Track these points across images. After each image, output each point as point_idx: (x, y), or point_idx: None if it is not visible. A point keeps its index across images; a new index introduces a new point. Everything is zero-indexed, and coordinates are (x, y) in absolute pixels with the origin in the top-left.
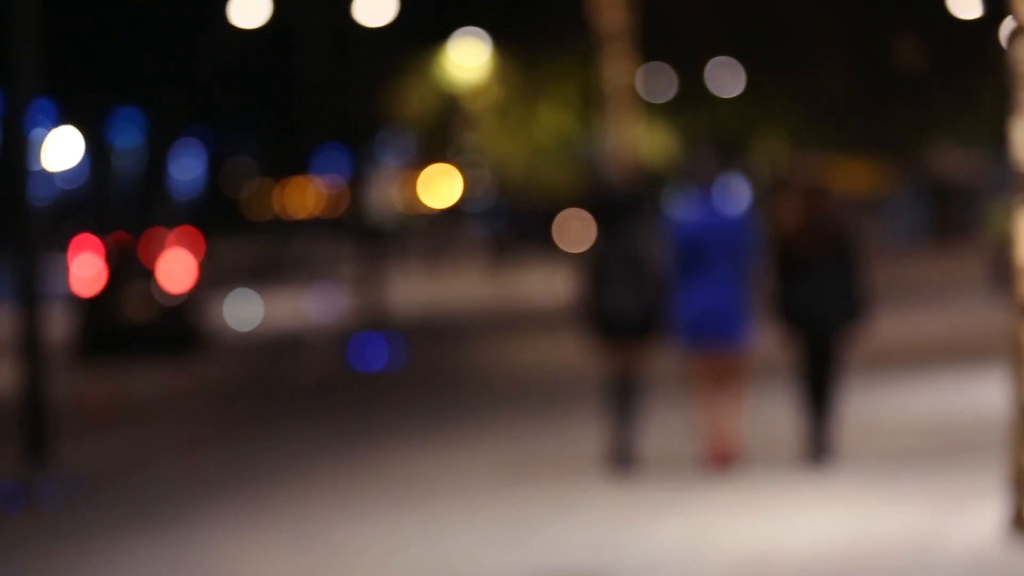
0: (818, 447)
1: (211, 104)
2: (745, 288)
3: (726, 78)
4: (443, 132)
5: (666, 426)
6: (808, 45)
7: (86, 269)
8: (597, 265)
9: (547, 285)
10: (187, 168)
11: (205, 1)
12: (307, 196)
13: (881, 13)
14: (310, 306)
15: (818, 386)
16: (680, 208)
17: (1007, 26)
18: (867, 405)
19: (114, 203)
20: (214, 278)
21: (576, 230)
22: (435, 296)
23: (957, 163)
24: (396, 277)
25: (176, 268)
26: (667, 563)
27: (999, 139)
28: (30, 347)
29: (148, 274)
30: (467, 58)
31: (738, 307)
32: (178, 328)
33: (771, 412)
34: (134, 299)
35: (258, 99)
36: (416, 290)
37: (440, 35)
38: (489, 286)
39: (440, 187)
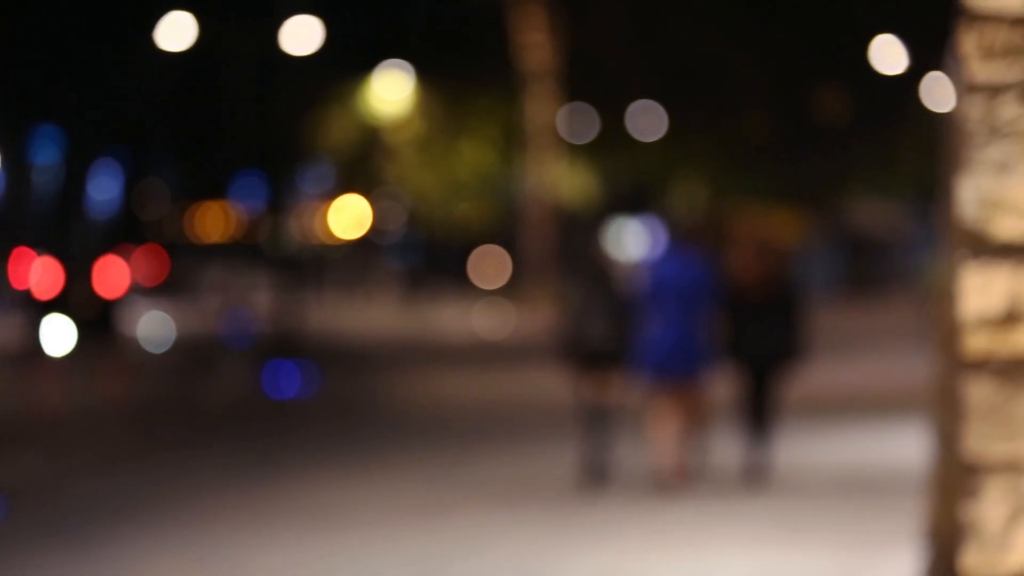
0: (755, 472)
1: (131, 125)
2: (704, 327)
3: (648, 121)
4: (363, 163)
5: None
6: (730, 92)
7: (44, 277)
8: (578, 303)
9: (461, 321)
10: (104, 188)
11: (132, 22)
12: (219, 221)
13: (804, 64)
14: (224, 330)
15: (759, 417)
16: (652, 254)
17: (929, 81)
18: (788, 452)
19: (30, 219)
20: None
21: (491, 267)
22: (349, 326)
23: (874, 215)
24: (311, 305)
25: (111, 277)
26: None
27: (918, 192)
28: None
29: (90, 282)
30: (390, 90)
31: (698, 344)
32: (109, 325)
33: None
34: (79, 300)
35: (179, 122)
36: (330, 319)
37: (365, 66)
38: (403, 319)
39: (349, 218)
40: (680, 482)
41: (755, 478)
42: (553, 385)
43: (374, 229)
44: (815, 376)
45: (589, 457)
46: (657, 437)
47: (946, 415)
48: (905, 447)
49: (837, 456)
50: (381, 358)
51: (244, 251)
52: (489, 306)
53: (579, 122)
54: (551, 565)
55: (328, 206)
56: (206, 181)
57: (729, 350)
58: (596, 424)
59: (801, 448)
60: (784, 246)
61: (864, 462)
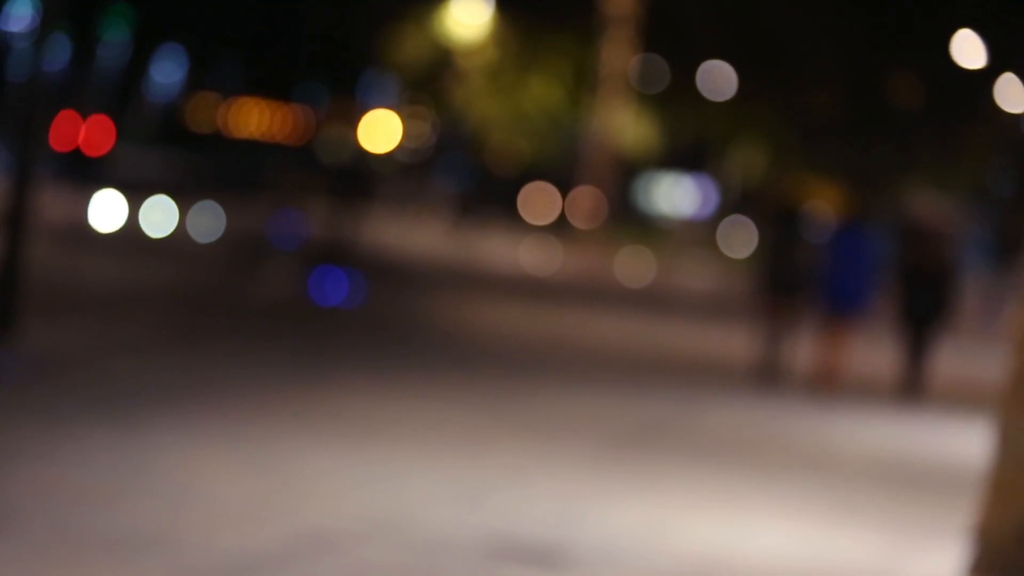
0: (914, 388)
1: (203, 13)
2: (869, 277)
3: (718, 81)
4: (430, 83)
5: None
6: (804, 67)
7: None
8: (773, 249)
9: (508, 253)
10: (167, 72)
11: None
12: (278, 120)
13: (881, 48)
14: (273, 230)
15: (916, 355)
16: (835, 222)
17: (1004, 80)
18: (845, 433)
19: (89, 92)
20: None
21: (540, 203)
22: (396, 242)
23: (929, 206)
24: (361, 216)
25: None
26: (620, 550)
27: (977, 189)
28: (15, 221)
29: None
30: (468, 15)
31: (863, 293)
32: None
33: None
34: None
35: (251, 16)
36: (378, 233)
37: None
38: (450, 243)
39: (380, 132)
40: (834, 387)
41: (914, 392)
42: (596, 327)
43: (404, 147)
44: (875, 362)
45: (766, 361)
46: (820, 352)
47: (1015, 416)
48: (959, 442)
49: (892, 443)
50: (427, 278)
51: (300, 153)
52: (536, 241)
53: (650, 73)
54: (593, 511)
55: (383, 118)
56: (271, 80)
57: (901, 309)
58: (775, 337)
59: (858, 431)
60: (951, 232)
61: (918, 452)
